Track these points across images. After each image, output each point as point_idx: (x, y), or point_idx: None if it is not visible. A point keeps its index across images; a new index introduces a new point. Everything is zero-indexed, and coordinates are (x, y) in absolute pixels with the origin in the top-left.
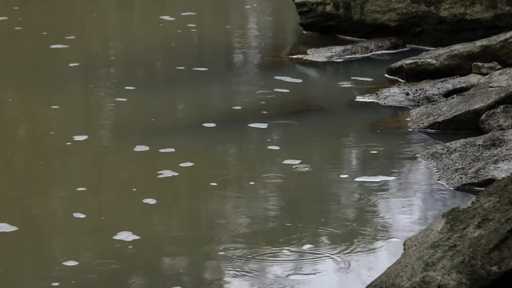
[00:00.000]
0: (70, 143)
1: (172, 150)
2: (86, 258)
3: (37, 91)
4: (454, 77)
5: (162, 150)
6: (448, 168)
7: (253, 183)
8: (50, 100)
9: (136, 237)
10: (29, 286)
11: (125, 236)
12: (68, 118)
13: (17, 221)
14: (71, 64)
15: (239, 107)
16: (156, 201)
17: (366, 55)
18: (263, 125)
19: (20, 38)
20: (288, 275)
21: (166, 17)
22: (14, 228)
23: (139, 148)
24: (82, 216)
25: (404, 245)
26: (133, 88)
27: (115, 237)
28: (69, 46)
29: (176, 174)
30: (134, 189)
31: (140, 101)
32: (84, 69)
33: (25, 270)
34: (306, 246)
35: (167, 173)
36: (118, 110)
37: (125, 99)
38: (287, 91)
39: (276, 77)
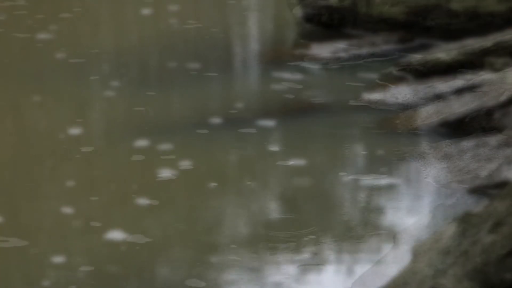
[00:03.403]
0: (64, 138)
1: (171, 150)
2: (77, 258)
3: (24, 84)
4: (466, 73)
5: (160, 150)
6: (460, 169)
7: (253, 183)
8: (39, 95)
9: (129, 238)
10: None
11: (117, 235)
12: (62, 115)
13: (10, 218)
14: (58, 55)
15: (238, 106)
16: (151, 202)
17: (373, 50)
18: (264, 125)
19: (5, 27)
20: (288, 278)
21: (162, 13)
22: (2, 220)
23: (137, 147)
24: (75, 215)
25: (412, 251)
26: (130, 86)
27: (107, 237)
28: (56, 37)
29: (174, 174)
30: (137, 191)
31: (135, 99)
32: (73, 62)
33: (17, 270)
34: (304, 242)
35: (165, 174)
36: (114, 107)
37: (121, 97)
38: (289, 89)
39: (277, 74)
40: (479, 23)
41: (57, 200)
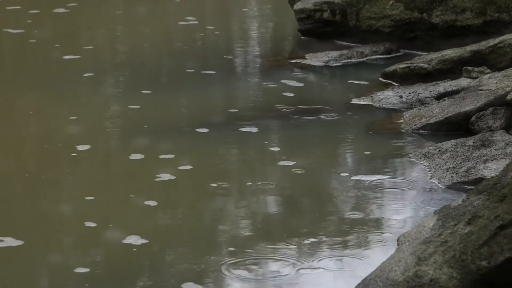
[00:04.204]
0: (61, 145)
1: (172, 152)
2: (72, 259)
3: (17, 81)
4: (446, 80)
5: (159, 149)
6: (440, 167)
7: (253, 183)
8: (32, 92)
9: (126, 239)
10: None
11: (113, 237)
12: (56, 112)
13: (5, 217)
14: (52, 52)
15: (238, 110)
16: (149, 202)
17: (361, 59)
18: (263, 127)
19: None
20: (288, 271)
21: (165, 21)
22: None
23: (135, 146)
24: (70, 215)
25: (397, 240)
26: (141, 92)
27: (103, 239)
28: (51, 33)
29: (173, 174)
30: (138, 192)
31: (145, 105)
32: (67, 59)
33: (11, 270)
34: (304, 243)
35: (164, 173)
36: (109, 105)
37: (132, 103)
38: (286, 94)
39: (276, 81)
40: (458, 35)
41: (53, 199)
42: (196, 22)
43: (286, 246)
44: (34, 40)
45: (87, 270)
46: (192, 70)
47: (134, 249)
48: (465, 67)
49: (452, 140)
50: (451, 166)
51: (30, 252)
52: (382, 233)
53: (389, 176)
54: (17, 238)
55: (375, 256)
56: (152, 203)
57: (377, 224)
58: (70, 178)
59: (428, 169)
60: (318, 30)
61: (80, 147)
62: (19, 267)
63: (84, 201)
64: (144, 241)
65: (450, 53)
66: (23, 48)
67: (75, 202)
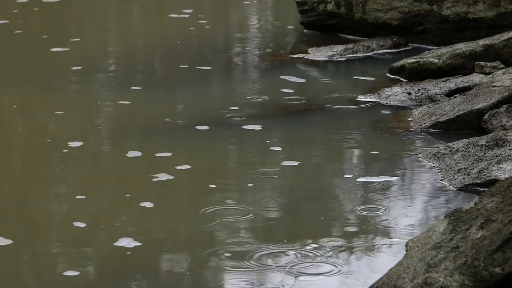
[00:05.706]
0: (50, 141)
1: (170, 151)
2: (61, 261)
3: (2, 75)
4: (457, 76)
5: (159, 150)
6: (451, 168)
7: (254, 183)
8: (18, 86)
9: (118, 241)
10: None
11: (105, 239)
12: (45, 108)
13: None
14: (39, 44)
15: (239, 107)
16: (145, 203)
17: (367, 54)
18: (264, 125)
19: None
20: (289, 277)
21: (165, 15)
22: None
23: (132, 145)
24: (61, 215)
25: (406, 246)
26: (132, 88)
27: (94, 241)
28: (38, 24)
29: (173, 176)
30: (133, 192)
31: (138, 101)
32: (55, 52)
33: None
34: (308, 247)
35: (166, 176)
36: (100, 101)
37: (124, 99)
38: (288, 90)
39: (277, 77)
40: (470, 28)
41: (43, 198)
42: (193, 14)
43: (287, 251)
44: (20, 31)
45: (76, 273)
46: (187, 66)
47: (128, 252)
48: (477, 62)
49: (464, 140)
50: (462, 167)
51: (19, 252)
52: (390, 238)
53: (397, 177)
54: (6, 237)
55: (382, 263)
56: (148, 204)
57: (384, 228)
58: (62, 175)
59: (439, 170)
60: (322, 23)
61: (71, 144)
62: (7, 267)
63: (75, 200)
64: (138, 244)
65: (462, 47)
66: (8, 40)
67: (66, 201)
